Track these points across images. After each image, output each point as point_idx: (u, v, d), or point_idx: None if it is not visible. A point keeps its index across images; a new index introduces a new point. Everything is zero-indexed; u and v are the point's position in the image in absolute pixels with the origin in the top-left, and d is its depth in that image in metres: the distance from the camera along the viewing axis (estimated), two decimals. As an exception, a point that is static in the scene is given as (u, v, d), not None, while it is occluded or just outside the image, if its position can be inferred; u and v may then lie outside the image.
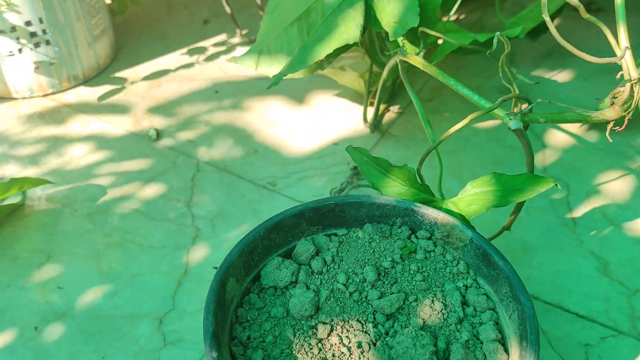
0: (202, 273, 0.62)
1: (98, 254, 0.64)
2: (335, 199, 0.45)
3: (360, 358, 0.37)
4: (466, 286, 0.42)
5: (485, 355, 0.38)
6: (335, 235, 0.45)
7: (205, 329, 0.36)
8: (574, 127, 0.78)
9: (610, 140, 0.45)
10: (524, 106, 0.44)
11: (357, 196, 0.45)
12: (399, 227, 0.45)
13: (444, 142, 0.75)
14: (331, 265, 0.43)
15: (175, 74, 0.90)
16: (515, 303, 0.38)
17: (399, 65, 0.57)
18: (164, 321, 0.57)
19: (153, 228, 0.66)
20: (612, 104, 0.44)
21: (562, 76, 0.87)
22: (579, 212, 0.67)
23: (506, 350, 0.38)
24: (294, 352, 0.38)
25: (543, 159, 0.73)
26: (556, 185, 0.42)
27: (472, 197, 0.44)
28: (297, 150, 0.76)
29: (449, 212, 0.44)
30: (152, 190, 0.71)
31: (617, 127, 0.45)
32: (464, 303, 0.41)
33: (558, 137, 0.77)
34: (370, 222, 0.45)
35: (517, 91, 0.44)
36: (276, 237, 0.44)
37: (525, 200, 0.48)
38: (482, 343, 0.39)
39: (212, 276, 0.61)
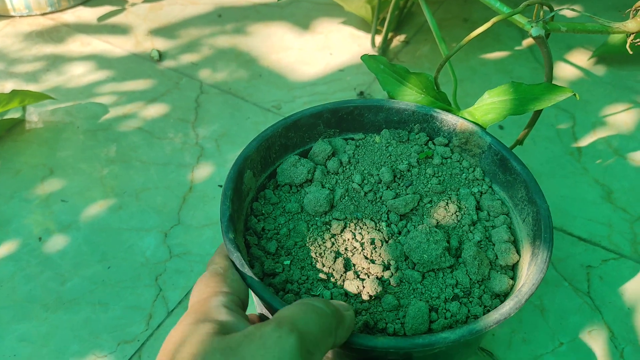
0: (207, 190, 0.61)
1: (101, 170, 0.63)
2: (355, 102, 0.44)
3: (372, 253, 0.37)
4: (481, 192, 0.42)
5: (496, 255, 0.38)
6: (353, 139, 0.45)
7: (223, 213, 0.36)
8: (582, 61, 0.77)
9: (630, 52, 0.44)
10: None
11: (377, 100, 0.45)
12: (417, 133, 0.45)
13: (452, 64, 0.74)
14: (347, 167, 0.43)
15: (177, -3, 0.88)
16: (530, 206, 0.38)
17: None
18: (169, 235, 0.57)
19: (157, 146, 0.66)
20: (634, 16, 0.43)
21: None
22: (585, 142, 0.67)
23: (518, 252, 0.39)
24: (307, 244, 0.38)
25: (550, 90, 0.73)
26: (574, 95, 0.42)
27: (488, 106, 0.43)
28: (303, 76, 0.75)
29: (466, 119, 0.44)
30: (155, 110, 0.70)
31: (638, 41, 0.44)
32: (478, 208, 0.41)
33: (566, 71, 0.76)
34: (388, 127, 0.45)
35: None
36: (293, 136, 0.44)
37: (539, 113, 0.47)
38: (494, 244, 0.39)
39: (217, 194, 0.61)
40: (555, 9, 0.42)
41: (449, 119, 0.44)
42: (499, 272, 0.37)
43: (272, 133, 0.42)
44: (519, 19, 0.44)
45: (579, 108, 0.71)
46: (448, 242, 0.38)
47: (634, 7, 0.45)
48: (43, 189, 0.61)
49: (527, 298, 0.33)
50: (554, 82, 0.73)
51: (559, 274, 0.54)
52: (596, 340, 0.50)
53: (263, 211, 0.41)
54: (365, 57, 0.47)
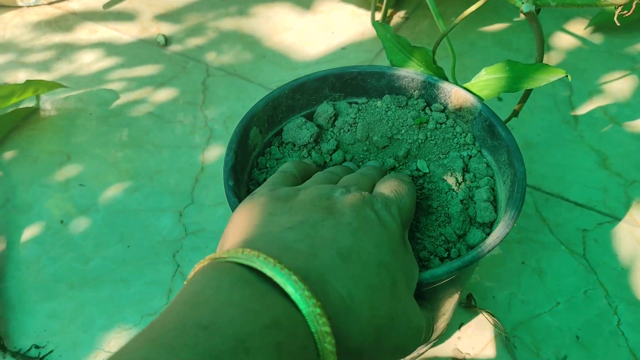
0: (218, 170, 0.64)
1: (116, 154, 0.66)
2: (359, 68, 0.47)
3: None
4: (470, 156, 0.45)
5: (476, 212, 0.41)
6: (356, 103, 0.48)
7: (226, 163, 0.40)
8: (579, 30, 0.79)
9: (618, 24, 0.46)
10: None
11: (379, 66, 0.47)
12: (416, 99, 0.47)
13: (451, 44, 0.76)
14: (350, 128, 0.46)
15: (179, -19, 0.90)
16: (510, 169, 0.41)
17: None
18: (184, 214, 0.60)
19: (167, 129, 0.68)
20: (621, -11, 0.45)
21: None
22: (581, 110, 0.69)
23: (496, 211, 0.41)
24: None
25: (548, 60, 0.75)
26: (566, 76, 0.44)
27: (484, 82, 0.46)
28: (306, 55, 0.77)
29: (462, 87, 0.46)
30: (164, 94, 0.72)
31: (625, 12, 0.46)
32: (466, 170, 0.44)
33: (563, 40, 0.77)
34: (390, 93, 0.48)
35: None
36: (300, 98, 0.47)
37: (531, 89, 0.50)
38: (475, 203, 0.42)
39: (228, 173, 0.64)
40: (543, -14, 0.44)
41: (445, 87, 0.46)
42: (477, 228, 0.40)
43: (278, 94, 0.45)
44: (510, -4, 0.46)
45: (576, 77, 0.73)
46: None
47: (621, -20, 0.46)
48: (61, 174, 0.64)
49: (490, 249, 0.36)
50: (552, 52, 0.75)
51: (556, 238, 0.57)
52: (591, 299, 0.53)
53: (267, 165, 0.45)
54: (375, 24, 0.50)
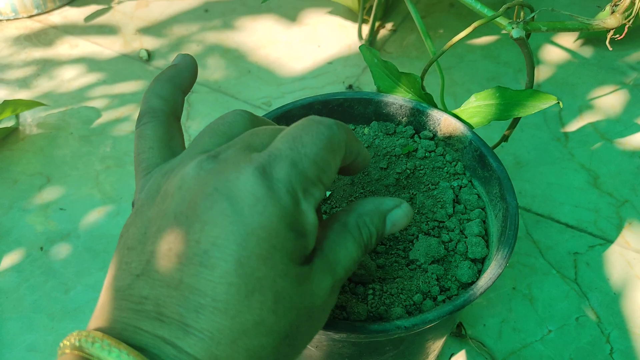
0: (202, 192, 0.62)
1: (97, 176, 0.64)
2: (345, 94, 0.46)
3: None
4: (460, 186, 0.43)
5: (467, 248, 0.40)
6: None
7: None
8: (568, 43, 0.78)
9: (610, 49, 0.45)
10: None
11: (366, 93, 0.46)
12: (404, 126, 0.46)
13: (439, 60, 0.75)
14: None
15: (162, -8, 0.88)
16: (502, 202, 0.40)
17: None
18: (167, 239, 0.59)
19: (151, 149, 0.67)
20: (613, 12, 0.44)
21: (557, -10, 0.86)
22: (571, 127, 0.68)
23: (488, 246, 0.40)
24: None
25: (537, 74, 0.74)
26: (558, 102, 0.43)
27: (474, 109, 0.45)
28: (291, 70, 0.75)
29: (452, 114, 0.45)
30: (147, 112, 0.71)
31: (617, 36, 0.45)
32: (457, 202, 0.43)
33: (552, 53, 0.77)
34: (377, 120, 0.47)
35: None
36: (285, 125, 0.45)
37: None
38: (466, 237, 0.40)
39: (212, 195, 0.62)
40: (534, 11, 0.43)
41: (434, 114, 0.45)
42: (467, 264, 0.39)
43: None
44: (500, 20, 0.44)
45: (566, 92, 0.72)
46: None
47: (612, 2, 0.45)
48: (41, 197, 0.62)
49: (482, 292, 0.34)
50: (541, 65, 0.74)
51: (547, 262, 0.56)
52: (583, 326, 0.52)
53: None
54: (362, 48, 0.48)
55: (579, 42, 0.77)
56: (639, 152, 0.65)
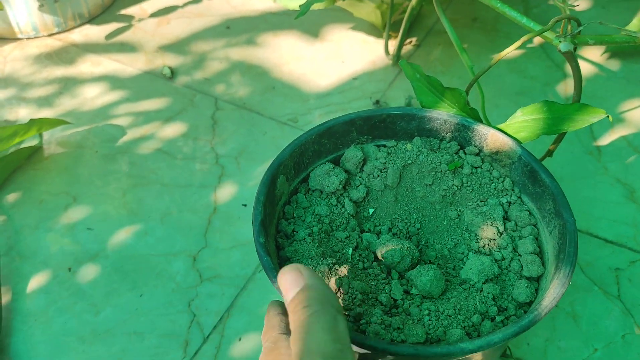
0: (231, 210, 0.61)
1: (124, 195, 0.63)
2: (388, 110, 0.45)
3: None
4: (510, 202, 0.42)
5: (522, 266, 0.39)
6: (385, 146, 0.46)
7: (255, 217, 0.38)
8: (595, 56, 0.77)
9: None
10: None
11: (409, 108, 0.45)
12: (449, 142, 0.45)
13: (464, 75, 0.74)
14: (380, 174, 0.44)
15: (183, 10, 0.87)
16: (557, 219, 0.39)
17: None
18: (197, 258, 0.58)
19: (177, 167, 0.66)
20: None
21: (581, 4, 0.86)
22: (603, 140, 0.67)
23: (544, 264, 0.39)
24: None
25: (565, 88, 0.73)
26: (607, 116, 0.42)
27: (521, 124, 0.44)
28: (316, 86, 0.75)
29: (498, 129, 0.44)
30: (172, 130, 0.70)
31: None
32: (507, 218, 0.42)
33: (581, 66, 0.75)
34: (420, 135, 0.46)
35: (568, 12, 0.43)
36: (327, 142, 0.45)
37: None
38: (520, 255, 0.39)
39: (242, 214, 0.61)
40: (581, 25, 0.42)
41: (480, 129, 0.44)
42: (524, 283, 0.38)
43: (305, 140, 0.43)
44: (547, 34, 0.44)
45: (596, 105, 0.70)
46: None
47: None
48: (68, 217, 0.61)
49: (547, 312, 0.33)
50: (568, 79, 0.73)
51: (589, 279, 0.55)
52: (630, 344, 0.50)
53: (294, 214, 0.43)
54: (403, 63, 0.48)
55: (606, 55, 0.77)
56: (674, 165, 0.64)
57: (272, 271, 0.34)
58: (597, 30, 0.78)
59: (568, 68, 0.76)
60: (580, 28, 0.42)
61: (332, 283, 0.36)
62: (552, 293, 0.34)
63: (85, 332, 0.53)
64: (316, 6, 0.63)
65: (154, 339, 0.52)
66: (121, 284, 0.56)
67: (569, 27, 0.43)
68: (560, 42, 0.42)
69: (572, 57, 0.42)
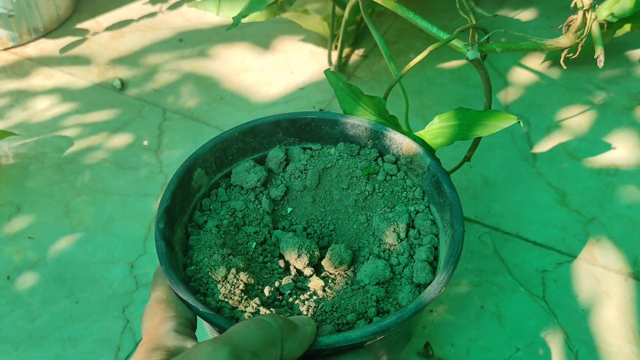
0: (172, 218, 0.62)
1: (68, 204, 0.64)
2: (312, 114, 0.47)
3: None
4: (417, 211, 0.44)
5: (412, 272, 0.40)
6: (310, 149, 0.47)
7: (161, 204, 0.40)
8: (536, 64, 0.79)
9: (564, 67, 0.46)
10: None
11: (332, 113, 0.47)
12: (370, 149, 0.47)
13: (408, 83, 0.76)
14: (300, 174, 0.46)
15: (138, 23, 0.89)
16: (450, 229, 0.40)
17: (360, 3, 0.57)
18: (135, 265, 0.58)
19: (121, 176, 0.67)
20: (566, 31, 0.45)
21: (525, 15, 0.88)
22: (540, 147, 0.68)
23: (435, 272, 0.40)
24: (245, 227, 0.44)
25: (505, 96, 0.75)
26: (519, 122, 0.44)
27: (437, 131, 0.45)
28: (264, 96, 0.76)
29: (414, 138, 0.46)
30: (119, 140, 0.71)
31: (571, 55, 0.46)
32: (412, 227, 0.43)
33: (520, 75, 0.78)
34: (344, 141, 0.47)
35: (474, 22, 0.45)
36: (252, 141, 0.46)
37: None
38: (414, 262, 0.40)
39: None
40: (488, 33, 0.44)
41: (397, 138, 0.46)
42: (408, 288, 0.39)
43: (227, 136, 0.45)
44: (456, 43, 0.45)
45: (534, 112, 0.73)
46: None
47: (565, 22, 0.46)
48: (11, 227, 0.62)
49: (410, 315, 0.34)
50: (509, 87, 0.75)
51: (515, 280, 0.56)
52: (551, 344, 0.51)
53: (211, 207, 0.44)
54: (327, 72, 0.49)
55: (546, 64, 0.79)
56: (607, 169, 0.65)
57: (163, 255, 0.36)
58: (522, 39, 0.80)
59: (509, 76, 0.77)
60: (487, 36, 0.43)
61: (220, 272, 0.37)
62: (419, 299, 0.35)
63: (20, 338, 0.53)
64: (257, 18, 0.65)
65: (87, 344, 0.53)
66: (59, 291, 0.57)
67: (477, 36, 0.44)
68: (467, 50, 0.43)
69: (479, 65, 0.44)
